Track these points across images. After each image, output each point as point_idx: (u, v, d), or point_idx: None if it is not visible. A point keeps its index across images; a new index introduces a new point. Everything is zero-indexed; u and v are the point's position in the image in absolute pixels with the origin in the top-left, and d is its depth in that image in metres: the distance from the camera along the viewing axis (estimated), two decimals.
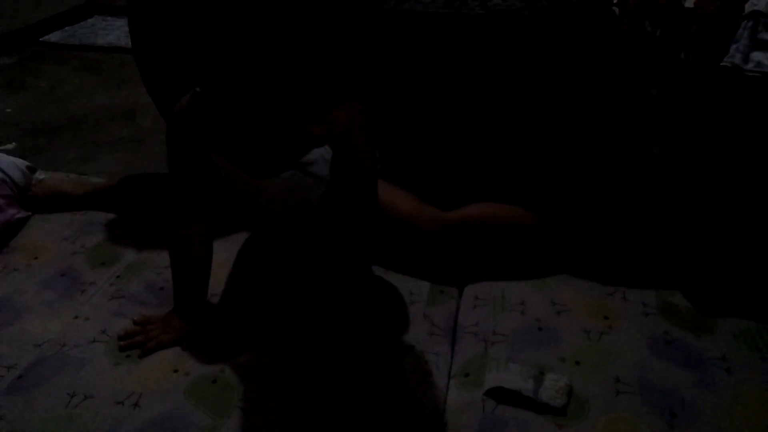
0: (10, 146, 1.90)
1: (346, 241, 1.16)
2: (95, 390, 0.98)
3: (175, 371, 1.02)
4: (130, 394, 0.97)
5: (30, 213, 1.42)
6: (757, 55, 1.06)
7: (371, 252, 1.24)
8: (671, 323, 1.07)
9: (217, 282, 1.18)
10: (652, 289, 1.15)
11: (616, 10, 1.16)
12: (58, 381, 1.00)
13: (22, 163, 1.48)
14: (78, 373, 1.02)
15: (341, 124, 0.94)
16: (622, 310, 1.11)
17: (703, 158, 1.15)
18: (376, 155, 1.18)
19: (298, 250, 1.26)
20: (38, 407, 0.96)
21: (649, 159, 1.16)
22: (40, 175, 1.54)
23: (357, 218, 1.11)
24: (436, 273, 1.24)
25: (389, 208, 1.21)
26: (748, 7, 1.07)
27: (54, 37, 3.29)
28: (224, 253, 1.26)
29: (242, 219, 1.34)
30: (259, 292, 1.19)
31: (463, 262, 1.25)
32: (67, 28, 3.42)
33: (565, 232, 1.24)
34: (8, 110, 2.37)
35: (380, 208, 1.19)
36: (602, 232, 1.23)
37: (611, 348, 1.03)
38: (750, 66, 1.05)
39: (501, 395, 0.95)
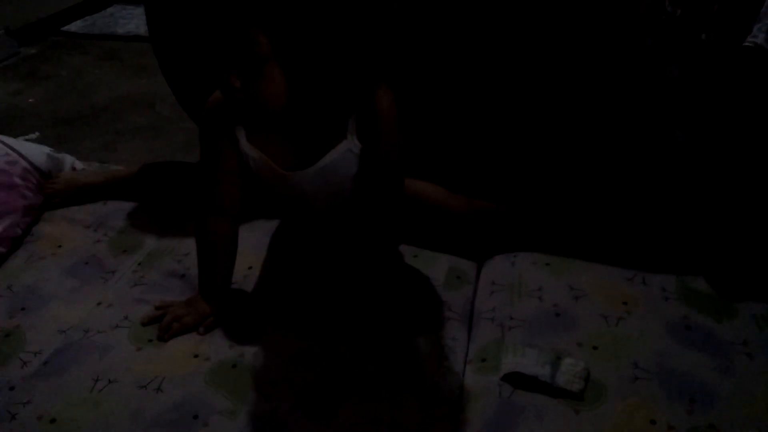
0: (33, 136, 1.94)
1: (371, 234, 1.17)
2: (119, 375, 1.01)
3: (196, 356, 1.03)
4: (152, 379, 0.99)
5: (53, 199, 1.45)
6: None
7: (395, 242, 1.25)
8: (691, 308, 1.06)
9: (239, 268, 1.19)
10: (671, 274, 1.14)
11: None
12: (83, 366, 1.02)
13: (46, 149, 1.51)
14: (102, 358, 1.04)
15: (384, 108, 0.98)
16: (641, 294, 1.11)
17: (725, 140, 1.13)
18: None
19: (324, 240, 1.27)
20: (64, 392, 0.98)
21: (671, 141, 1.14)
22: (65, 158, 1.56)
23: (381, 214, 1.12)
24: (460, 248, 1.26)
25: (418, 197, 1.24)
26: None
27: (74, 26, 3.32)
28: (247, 240, 1.27)
29: (265, 207, 1.35)
30: (281, 278, 1.20)
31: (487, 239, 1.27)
32: (87, 17, 3.45)
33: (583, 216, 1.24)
34: (30, 100, 2.40)
35: (409, 199, 1.21)
36: (622, 215, 1.22)
37: (629, 333, 1.02)
38: None
39: (518, 380, 0.95)
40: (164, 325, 1.08)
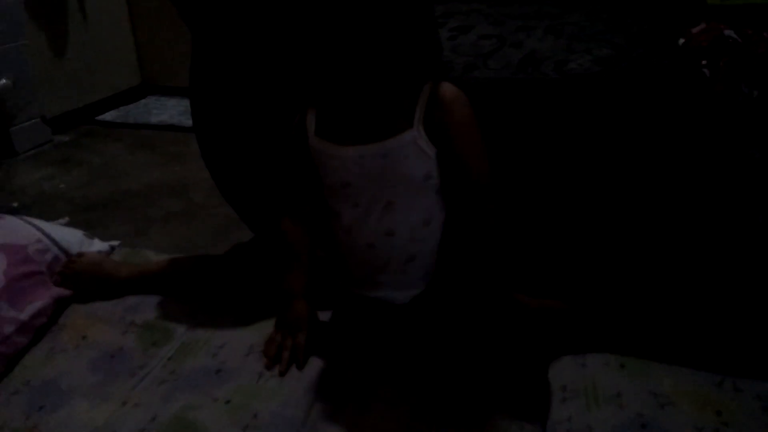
0: (62, 221, 1.89)
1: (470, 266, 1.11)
2: None
3: None
4: None
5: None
6: None
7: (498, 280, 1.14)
8: None
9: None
10: (766, 380, 1.01)
11: (707, 71, 1.08)
12: None
13: (78, 233, 1.45)
14: None
15: (447, 99, 1.03)
16: (735, 403, 0.97)
17: None
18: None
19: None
20: None
21: (756, 229, 1.05)
22: (96, 243, 1.49)
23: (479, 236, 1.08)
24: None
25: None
26: None
27: (109, 116, 3.38)
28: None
29: None
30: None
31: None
32: (121, 108, 3.52)
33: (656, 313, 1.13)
34: (62, 186, 2.39)
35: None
36: (702, 311, 1.11)
37: None
38: None
39: None
40: (286, 361, 1.07)
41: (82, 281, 1.35)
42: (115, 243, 1.58)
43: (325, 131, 1.10)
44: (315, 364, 1.11)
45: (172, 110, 3.39)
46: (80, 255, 1.39)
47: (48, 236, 1.36)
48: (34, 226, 1.38)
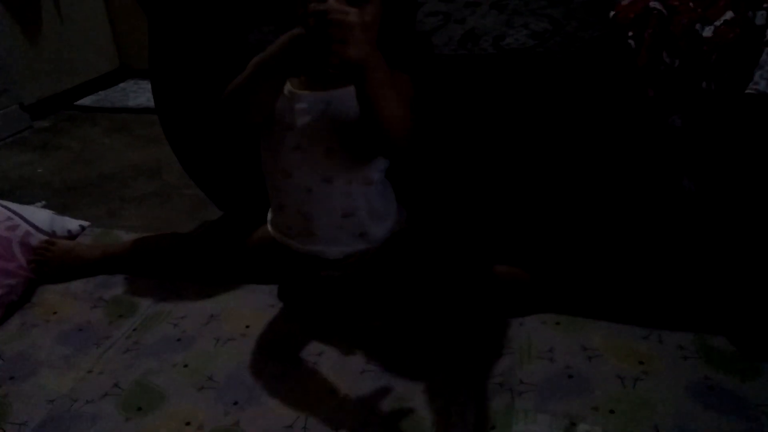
0: (39, 204, 1.94)
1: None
2: None
3: (188, 424, 0.98)
4: None
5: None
6: None
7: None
8: (713, 368, 1.00)
9: (236, 327, 1.15)
10: (689, 331, 1.08)
11: (632, 42, 1.13)
12: None
13: (47, 212, 1.51)
14: (88, 430, 0.99)
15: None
16: (657, 354, 1.05)
17: (735, 189, 1.10)
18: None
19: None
20: None
21: (680, 192, 1.11)
22: (68, 221, 1.55)
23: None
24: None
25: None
26: None
27: (87, 101, 3.40)
28: (245, 300, 1.24)
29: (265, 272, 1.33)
30: (280, 337, 1.15)
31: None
32: (100, 92, 3.54)
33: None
34: (39, 171, 2.43)
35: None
36: (633, 271, 1.18)
37: (648, 395, 0.96)
38: None
39: None
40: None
41: (55, 268, 1.41)
42: (85, 223, 1.64)
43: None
44: (269, 328, 1.18)
45: (149, 93, 3.40)
46: (52, 243, 1.44)
47: (17, 214, 1.42)
48: (2, 206, 1.43)
